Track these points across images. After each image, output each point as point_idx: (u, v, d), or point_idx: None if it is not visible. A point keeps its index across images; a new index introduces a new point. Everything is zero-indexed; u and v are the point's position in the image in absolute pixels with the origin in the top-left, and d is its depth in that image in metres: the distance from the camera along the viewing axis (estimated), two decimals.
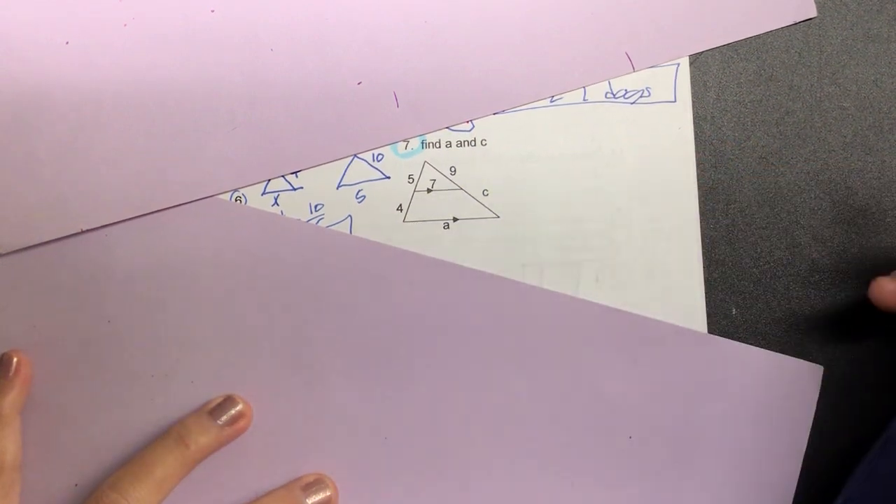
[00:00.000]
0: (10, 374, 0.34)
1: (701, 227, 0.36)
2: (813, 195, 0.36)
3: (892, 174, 0.36)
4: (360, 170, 0.36)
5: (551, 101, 0.36)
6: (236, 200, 0.36)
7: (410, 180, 0.36)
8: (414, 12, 0.36)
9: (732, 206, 0.36)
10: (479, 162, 0.36)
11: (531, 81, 0.36)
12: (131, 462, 0.32)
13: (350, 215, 0.36)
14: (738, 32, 0.36)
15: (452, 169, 0.36)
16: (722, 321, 0.36)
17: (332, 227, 0.36)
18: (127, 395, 0.35)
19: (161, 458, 0.32)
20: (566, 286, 0.35)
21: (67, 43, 0.36)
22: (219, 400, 0.34)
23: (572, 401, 0.34)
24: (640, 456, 0.34)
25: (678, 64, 0.36)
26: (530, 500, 0.34)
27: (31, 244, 0.35)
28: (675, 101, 0.36)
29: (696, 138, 0.36)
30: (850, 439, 0.35)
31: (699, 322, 0.35)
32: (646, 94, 0.36)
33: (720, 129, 0.36)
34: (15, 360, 0.34)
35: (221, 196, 0.36)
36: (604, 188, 0.36)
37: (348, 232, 0.36)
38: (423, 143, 0.36)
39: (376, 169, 0.36)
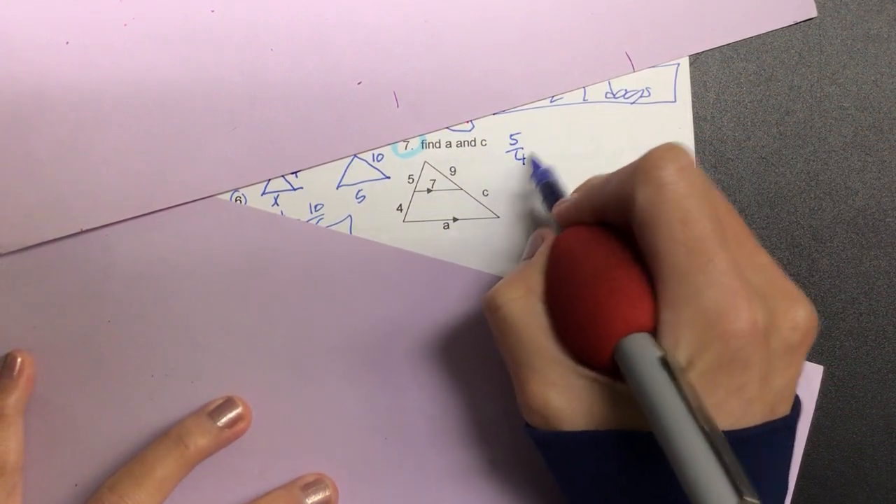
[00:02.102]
0: (14, 373, 0.34)
1: None
2: (813, 195, 0.36)
3: (892, 174, 0.36)
4: (360, 170, 0.36)
5: (551, 101, 0.36)
6: (236, 200, 0.36)
7: (410, 180, 0.36)
8: (414, 12, 0.36)
9: (732, 206, 0.36)
10: (479, 162, 0.36)
11: (531, 81, 0.36)
12: (131, 463, 0.32)
13: (350, 215, 0.36)
14: (738, 32, 0.36)
15: (452, 169, 0.36)
16: None
17: (332, 227, 0.36)
18: (127, 395, 0.35)
19: (161, 458, 0.32)
20: None
21: (67, 43, 0.36)
22: (219, 402, 0.34)
23: None
24: None
25: (678, 64, 0.36)
26: (528, 498, 0.34)
27: (31, 244, 0.35)
28: (675, 101, 0.36)
29: (696, 138, 0.36)
30: (850, 439, 0.35)
31: None
32: (646, 94, 0.36)
33: (720, 129, 0.36)
34: (19, 359, 0.34)
35: (221, 196, 0.36)
36: None
37: (348, 232, 0.36)
38: (423, 143, 0.36)
39: (376, 169, 0.36)
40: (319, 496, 0.33)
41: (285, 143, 0.36)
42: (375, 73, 0.36)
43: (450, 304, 0.35)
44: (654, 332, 0.25)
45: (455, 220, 0.36)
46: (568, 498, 0.28)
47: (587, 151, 0.36)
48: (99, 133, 0.36)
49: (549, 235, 0.30)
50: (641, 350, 0.24)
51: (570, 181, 0.36)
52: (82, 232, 0.35)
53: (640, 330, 0.25)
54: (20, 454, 0.33)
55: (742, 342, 0.23)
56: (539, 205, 0.34)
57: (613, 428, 0.26)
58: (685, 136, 0.36)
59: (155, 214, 0.35)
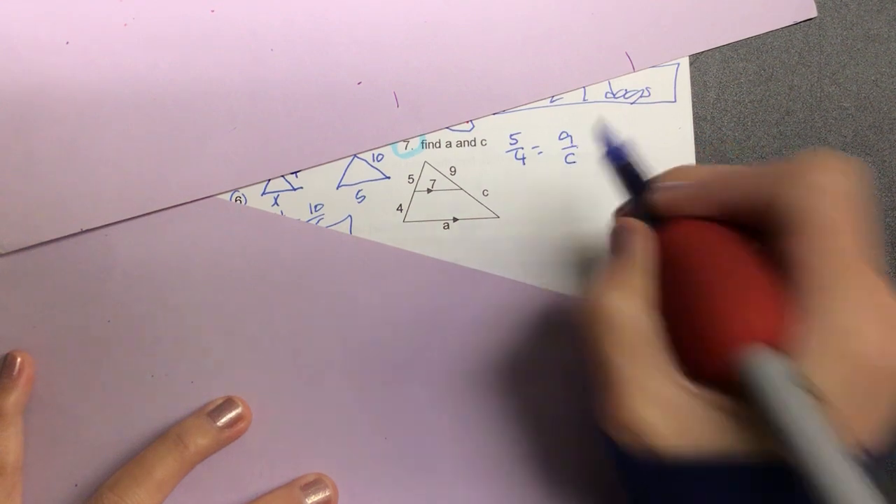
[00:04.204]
0: (14, 373, 0.34)
1: None
2: None
3: (892, 174, 0.36)
4: (360, 170, 0.36)
5: (551, 101, 0.36)
6: (236, 200, 0.36)
7: (410, 180, 0.36)
8: (414, 12, 0.36)
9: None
10: (479, 162, 0.36)
11: (531, 81, 0.36)
12: (130, 463, 0.32)
13: (350, 215, 0.36)
14: (738, 32, 0.36)
15: (452, 169, 0.36)
16: None
17: (332, 227, 0.36)
18: (127, 395, 0.35)
19: (160, 459, 0.32)
20: (566, 286, 0.35)
21: (67, 43, 0.36)
22: (219, 401, 0.34)
23: (583, 401, 0.34)
24: None
25: (678, 64, 0.36)
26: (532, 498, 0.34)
27: (31, 244, 0.35)
28: (675, 101, 0.36)
29: (696, 138, 0.36)
30: None
31: None
32: (646, 94, 0.36)
33: (720, 129, 0.36)
34: (19, 360, 0.34)
35: (221, 196, 0.36)
36: (604, 188, 0.36)
37: (348, 232, 0.36)
38: (423, 143, 0.36)
39: (376, 169, 0.36)
40: (319, 496, 0.33)
41: (285, 143, 0.36)
42: (375, 73, 0.36)
43: (450, 305, 0.35)
44: (781, 345, 0.23)
45: (455, 220, 0.36)
46: None
47: (587, 151, 0.36)
48: (99, 133, 0.36)
49: (642, 228, 0.27)
50: (776, 370, 0.22)
51: (570, 181, 0.36)
52: (82, 232, 0.35)
53: (769, 342, 0.22)
54: (20, 454, 0.33)
55: (875, 367, 0.22)
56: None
57: (723, 454, 0.23)
58: (685, 136, 0.36)
59: (155, 214, 0.35)
